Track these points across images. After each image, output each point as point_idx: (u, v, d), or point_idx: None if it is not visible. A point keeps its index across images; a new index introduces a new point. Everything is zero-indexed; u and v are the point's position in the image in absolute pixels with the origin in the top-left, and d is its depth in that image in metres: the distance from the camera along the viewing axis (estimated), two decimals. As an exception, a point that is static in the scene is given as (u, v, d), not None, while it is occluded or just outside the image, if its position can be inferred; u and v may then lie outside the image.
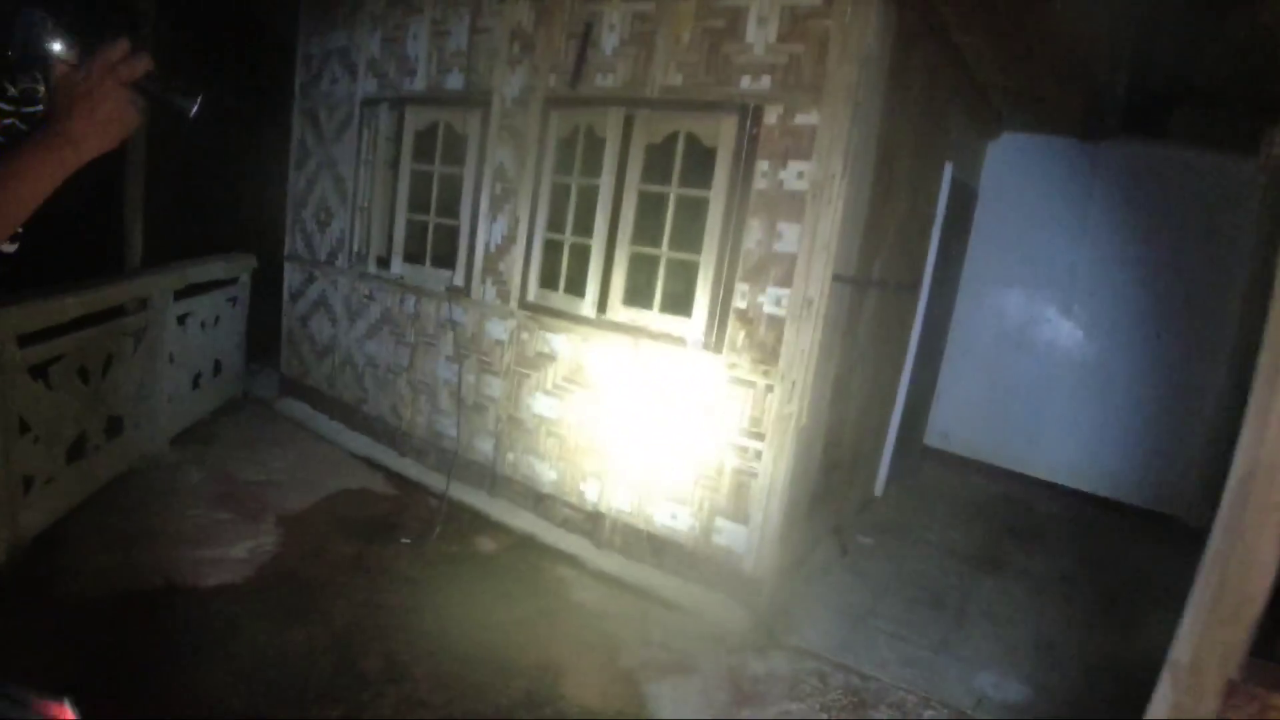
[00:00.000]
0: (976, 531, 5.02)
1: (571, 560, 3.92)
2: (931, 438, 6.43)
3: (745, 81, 3.53)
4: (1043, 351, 6.10)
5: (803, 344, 3.40)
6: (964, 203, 5.62)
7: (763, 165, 3.51)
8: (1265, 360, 2.09)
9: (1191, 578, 2.16)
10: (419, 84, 4.78)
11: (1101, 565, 4.73)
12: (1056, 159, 5.99)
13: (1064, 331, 6.02)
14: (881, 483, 5.31)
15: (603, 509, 4.04)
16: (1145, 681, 2.21)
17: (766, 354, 3.49)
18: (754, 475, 3.56)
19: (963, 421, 6.37)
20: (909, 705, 3.06)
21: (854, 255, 3.70)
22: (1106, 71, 4.51)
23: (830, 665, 3.25)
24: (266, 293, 5.88)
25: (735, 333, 3.57)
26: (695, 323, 3.68)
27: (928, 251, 5.06)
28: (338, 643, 2.98)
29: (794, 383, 3.42)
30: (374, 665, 2.88)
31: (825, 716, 2.94)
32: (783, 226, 3.45)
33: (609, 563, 3.92)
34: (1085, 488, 5.97)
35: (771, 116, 3.46)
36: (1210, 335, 5.57)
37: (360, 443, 5.16)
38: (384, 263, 5.05)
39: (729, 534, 3.67)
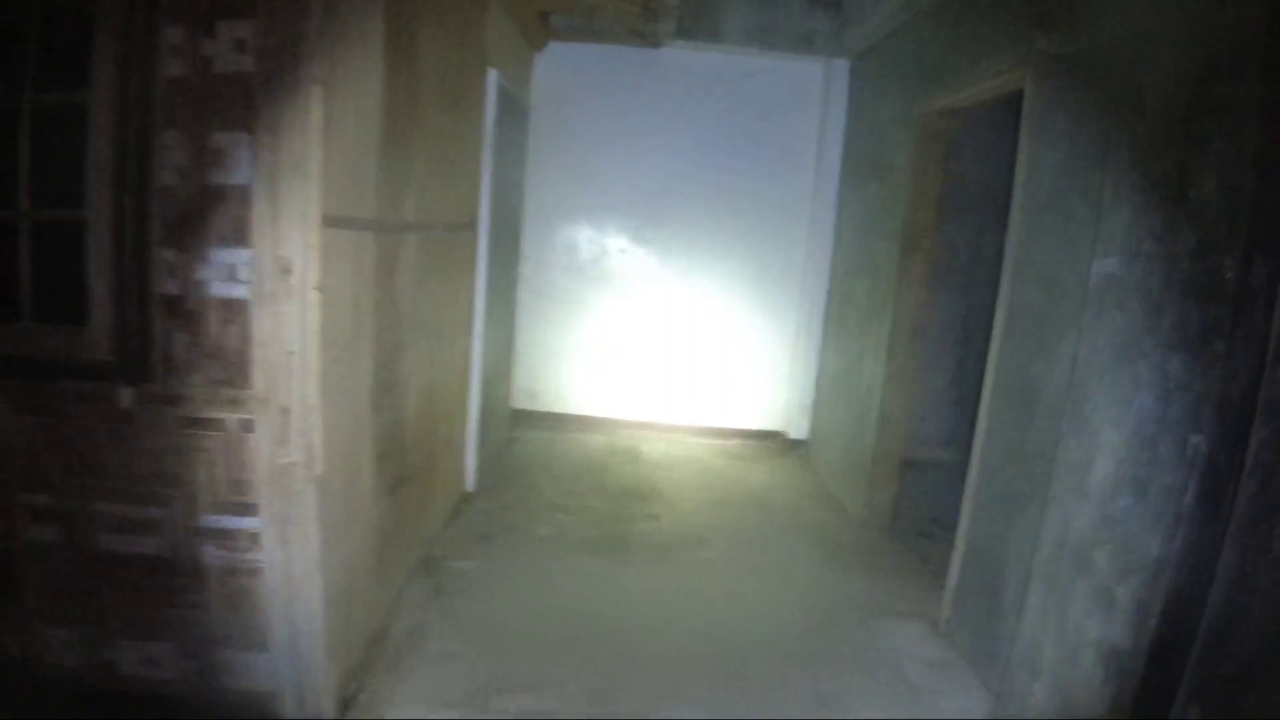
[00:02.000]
0: (593, 506, 4.16)
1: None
2: (519, 399, 5.46)
3: None
4: (621, 285, 5.44)
5: (288, 339, 1.93)
6: (517, 121, 4.54)
7: (174, 34, 1.91)
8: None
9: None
10: None
11: (735, 506, 4.26)
12: (612, 69, 5.22)
13: (640, 262, 5.41)
14: (472, 474, 4.14)
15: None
16: None
17: (229, 367, 1.96)
18: (256, 571, 2.07)
19: (550, 375, 5.49)
20: None
21: (368, 186, 2.32)
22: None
23: None
24: None
25: (168, 338, 1.98)
26: (94, 331, 1.99)
27: (480, 181, 3.89)
28: None
29: (286, 409, 1.96)
30: None
31: None
32: (221, 139, 1.92)
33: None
34: (690, 421, 5.56)
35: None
36: (786, 256, 5.45)
37: None
38: None
39: (244, 670, 2.16)
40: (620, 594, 3.23)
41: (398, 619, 2.87)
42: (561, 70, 5.17)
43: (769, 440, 5.55)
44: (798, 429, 5.39)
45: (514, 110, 4.36)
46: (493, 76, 3.83)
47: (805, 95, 5.23)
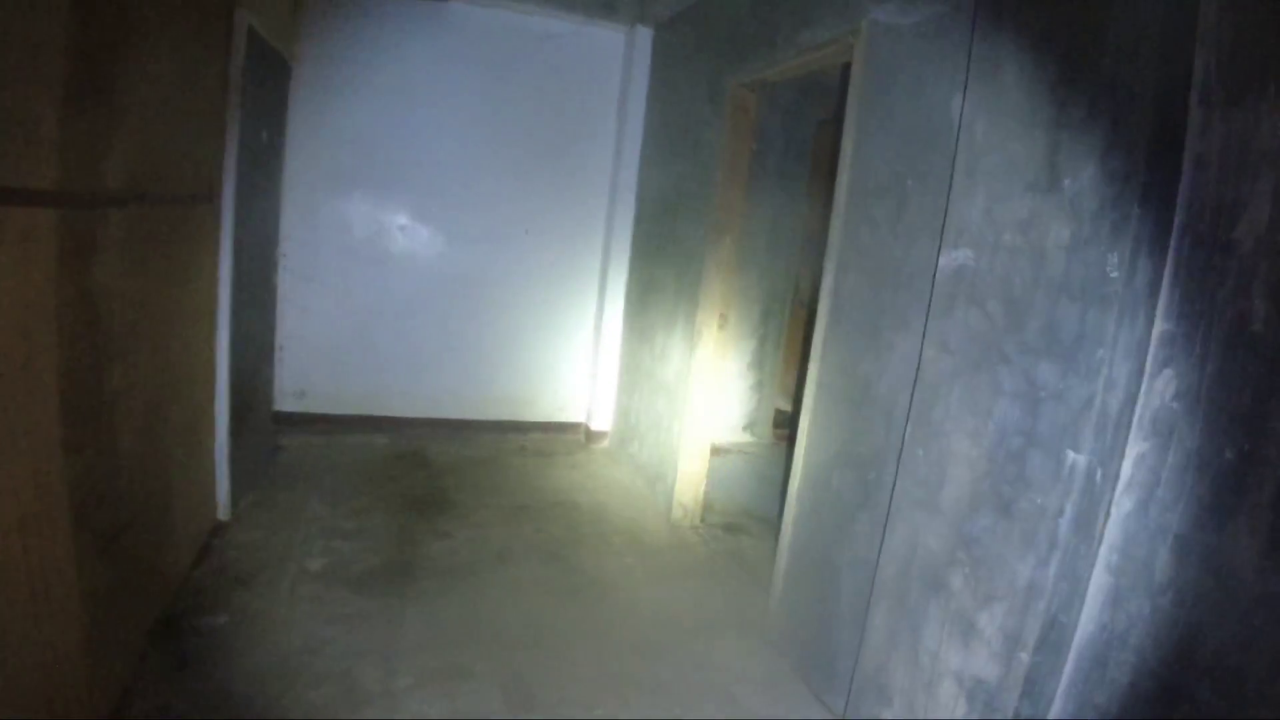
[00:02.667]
0: (376, 526, 3.52)
1: None
2: (285, 400, 4.60)
3: None
4: (403, 267, 4.74)
5: None
6: (275, 76, 3.69)
7: None
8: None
9: None
10: None
11: (539, 512, 3.81)
12: (395, 25, 4.46)
13: (424, 240, 4.74)
14: (224, 500, 3.34)
15: None
16: None
17: None
18: None
19: (321, 371, 4.67)
20: None
21: (43, 144, 1.56)
22: None
23: None
24: None
25: None
26: None
27: (224, 144, 3.06)
28: None
29: None
30: None
31: None
32: None
33: None
34: (483, 415, 5.02)
35: None
36: (586, 237, 5.03)
37: None
38: None
39: None
40: (402, 640, 2.67)
41: (135, 701, 2.13)
42: (336, 23, 4.34)
43: (571, 433, 5.16)
44: (601, 420, 5.05)
45: (271, 64, 3.53)
46: (241, 18, 3.02)
47: (607, 64, 4.83)
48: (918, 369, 2.07)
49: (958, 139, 1.95)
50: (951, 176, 1.98)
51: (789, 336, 5.69)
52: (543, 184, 4.82)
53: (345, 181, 4.53)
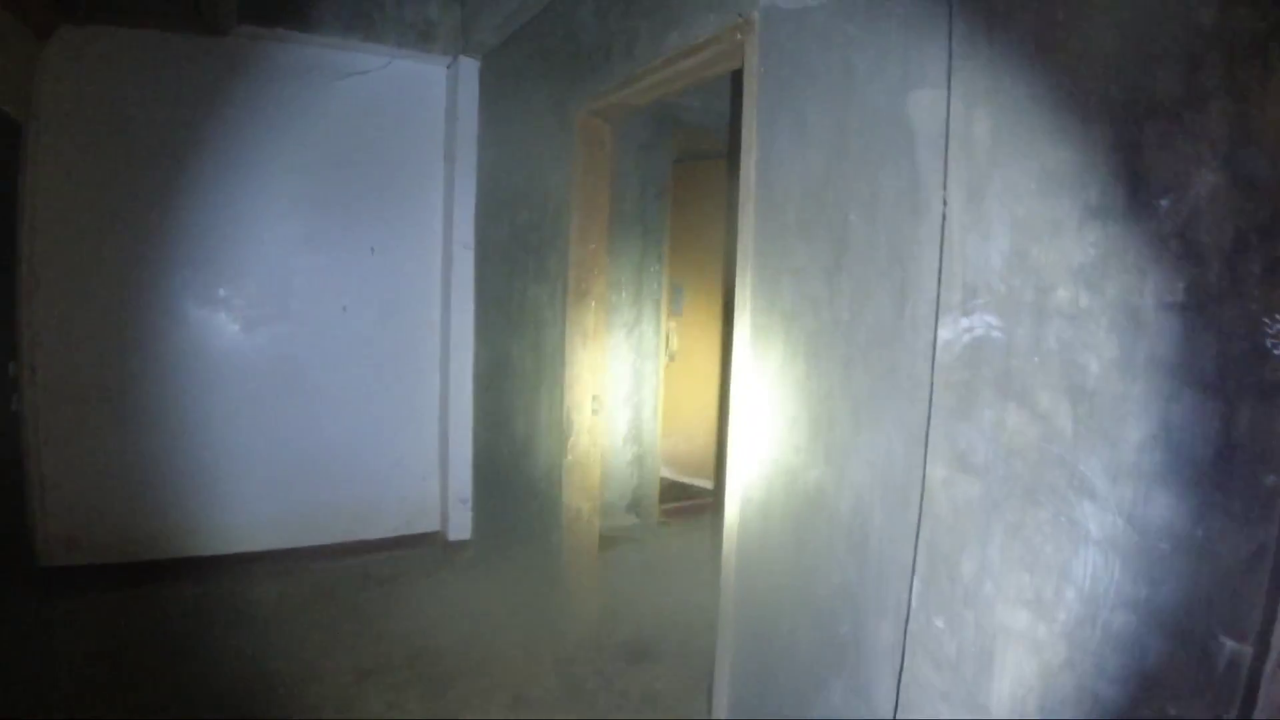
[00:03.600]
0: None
1: None
2: (54, 553, 3.36)
3: None
4: (194, 367, 3.64)
5: None
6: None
7: None
8: None
9: None
10: None
11: (394, 677, 2.82)
12: (164, 65, 3.46)
13: (219, 330, 3.68)
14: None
15: None
16: None
17: None
18: None
19: (98, 508, 3.46)
20: None
21: None
22: None
23: None
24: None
25: None
26: None
27: None
28: None
29: None
30: None
31: None
32: None
33: None
34: (314, 540, 3.95)
35: None
36: (418, 308, 4.12)
37: None
38: None
39: None
40: None
41: None
42: (89, 68, 3.29)
43: (425, 547, 4.18)
44: (460, 527, 4.11)
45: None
46: None
47: (429, 103, 4.01)
48: (921, 496, 1.38)
49: (947, 148, 1.30)
50: (945, 203, 1.32)
51: (667, 398, 5.02)
52: (360, 248, 3.90)
53: (111, 264, 3.42)
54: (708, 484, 5.46)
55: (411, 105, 3.98)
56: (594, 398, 3.03)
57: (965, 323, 1.29)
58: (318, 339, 3.85)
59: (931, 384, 1.35)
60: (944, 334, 1.32)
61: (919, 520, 1.39)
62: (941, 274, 1.33)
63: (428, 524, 4.19)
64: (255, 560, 3.79)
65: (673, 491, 5.27)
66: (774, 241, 1.85)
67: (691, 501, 5.22)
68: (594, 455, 3.06)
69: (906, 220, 1.43)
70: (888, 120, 1.49)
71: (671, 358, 5.03)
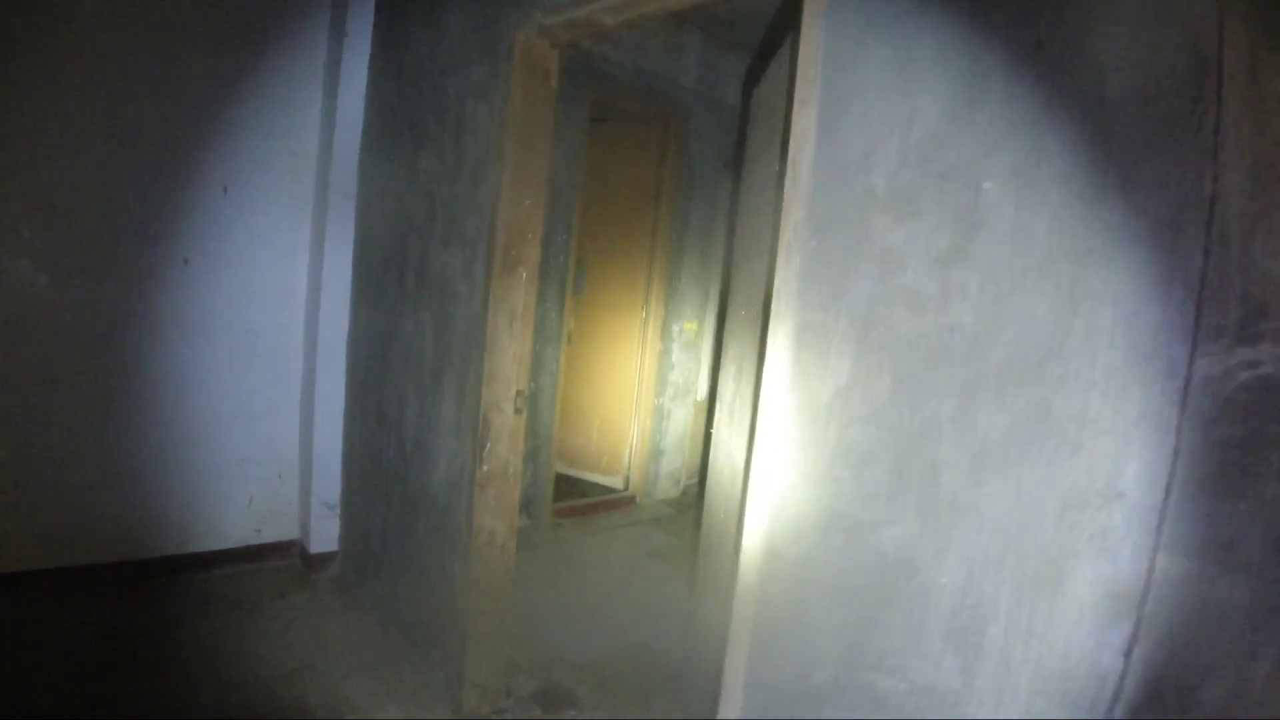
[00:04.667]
0: None
1: None
2: None
3: None
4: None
5: None
6: None
7: None
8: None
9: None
10: None
11: None
12: None
13: (15, 281, 2.67)
14: None
15: None
16: None
17: None
18: None
19: None
20: None
21: None
22: None
23: None
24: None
25: None
26: None
27: None
28: None
29: None
30: None
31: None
32: None
33: None
34: (142, 552, 3.03)
35: None
36: (278, 261, 3.25)
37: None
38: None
39: None
40: None
41: None
42: None
43: (279, 559, 3.37)
44: (324, 536, 3.34)
45: None
46: None
47: (307, 13, 3.14)
48: (1146, 595, 0.92)
49: (1220, 99, 0.83)
50: (1215, 179, 0.86)
51: (565, 386, 4.44)
52: (210, 186, 3.01)
53: None
54: (605, 480, 4.95)
55: (285, 17, 3.11)
56: (518, 393, 2.42)
57: (1245, 355, 0.84)
58: (150, 299, 2.94)
59: (1178, 440, 0.90)
60: (1204, 368, 0.87)
61: (1136, 626, 0.94)
62: (1205, 281, 0.87)
63: (284, 531, 3.38)
64: (73, 576, 2.86)
65: (566, 489, 4.71)
66: (843, 215, 1.34)
67: (588, 500, 4.68)
68: (515, 465, 2.44)
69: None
70: (1072, 49, 1.02)
71: (568, 340, 4.45)
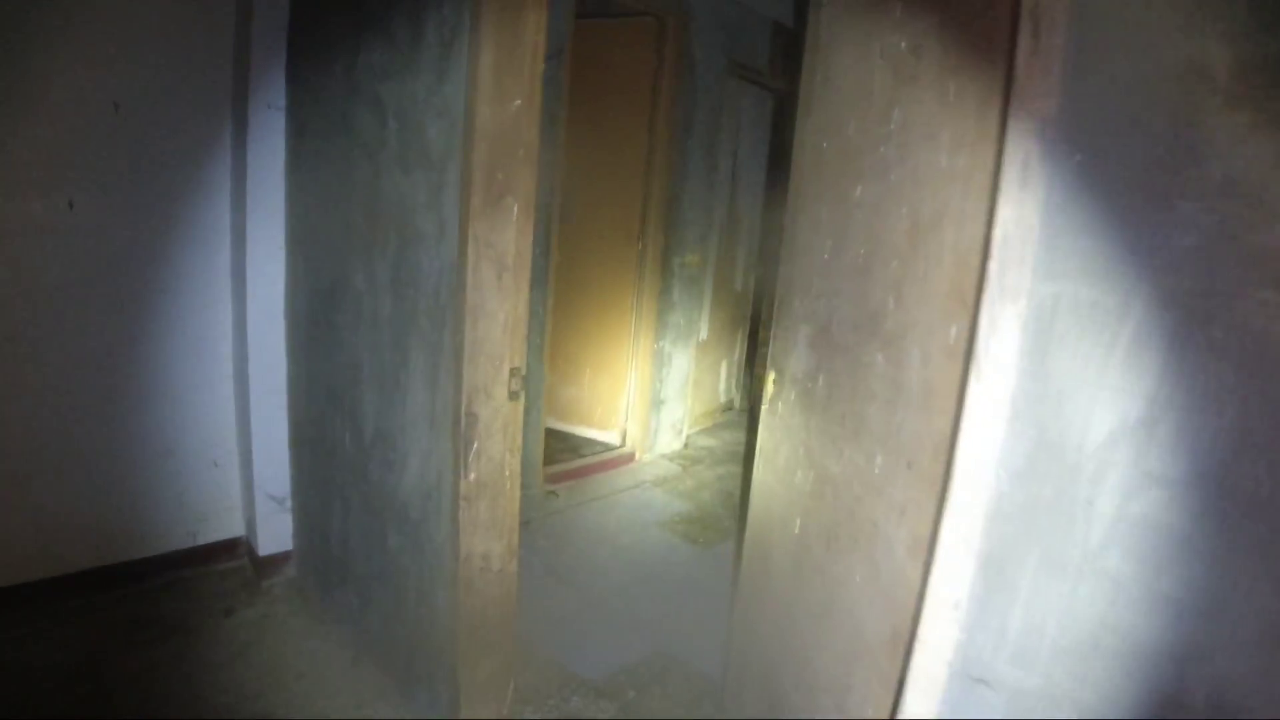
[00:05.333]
0: None
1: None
2: None
3: None
4: None
5: None
6: None
7: None
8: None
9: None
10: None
11: None
12: None
13: None
14: None
15: None
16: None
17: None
18: None
19: None
20: None
21: None
22: None
23: None
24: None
25: None
26: None
27: None
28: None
29: None
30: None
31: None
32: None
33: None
34: (61, 568, 2.39)
35: None
36: (201, 194, 2.50)
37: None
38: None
39: None
40: None
41: None
42: None
43: (223, 561, 2.76)
44: (273, 534, 2.72)
45: None
46: None
47: None
48: None
49: None
50: None
51: (553, 329, 3.79)
52: (98, 104, 2.23)
53: None
54: (600, 435, 4.37)
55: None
56: (512, 372, 1.78)
57: None
58: (28, 253, 2.21)
59: None
60: None
61: None
62: None
63: (226, 529, 2.75)
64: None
65: (557, 447, 4.13)
66: (1136, 111, 0.71)
67: (583, 461, 4.11)
68: (512, 468, 1.83)
69: None
70: None
71: (554, 275, 3.78)
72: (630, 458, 4.28)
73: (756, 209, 5.03)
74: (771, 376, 1.99)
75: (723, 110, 4.29)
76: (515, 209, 1.69)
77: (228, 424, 2.68)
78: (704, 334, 4.70)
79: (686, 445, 4.63)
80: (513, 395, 1.78)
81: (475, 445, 1.73)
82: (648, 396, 4.29)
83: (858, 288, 1.49)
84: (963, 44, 1.21)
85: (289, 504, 2.67)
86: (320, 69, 2.23)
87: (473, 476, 1.75)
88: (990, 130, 1.10)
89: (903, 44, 1.39)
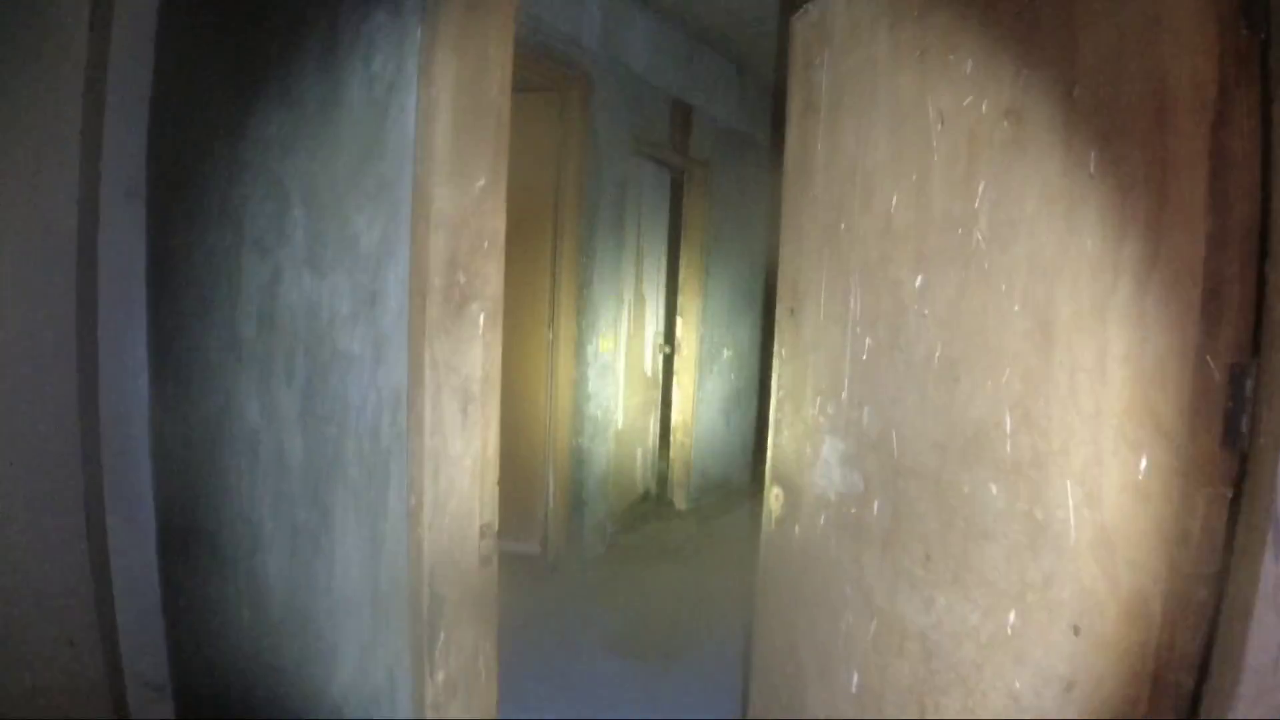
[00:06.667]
0: None
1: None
2: None
3: None
4: None
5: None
6: None
7: None
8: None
9: None
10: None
11: None
12: None
13: None
14: None
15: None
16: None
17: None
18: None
19: None
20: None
21: None
22: None
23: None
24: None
25: None
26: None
27: None
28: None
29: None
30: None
31: None
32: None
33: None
34: None
35: None
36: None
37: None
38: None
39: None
40: None
41: None
42: None
43: None
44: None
45: None
46: None
47: None
48: None
49: None
50: None
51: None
52: None
53: None
54: (516, 547, 3.85)
55: None
56: (483, 529, 1.33)
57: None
58: None
59: None
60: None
61: None
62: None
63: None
64: None
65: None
66: None
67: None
68: (487, 659, 1.36)
69: None
70: None
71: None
72: (551, 569, 3.77)
73: (660, 288, 4.80)
74: (775, 494, 1.67)
75: (627, 186, 4.06)
76: (482, 319, 1.28)
77: (82, 587, 1.98)
78: (620, 423, 4.33)
79: (609, 547, 4.18)
80: (484, 561, 1.33)
81: (442, 636, 1.26)
82: (567, 500, 3.83)
83: (939, 398, 1.20)
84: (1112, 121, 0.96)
85: (169, 691, 1.99)
86: (194, 145, 1.73)
87: (440, 676, 1.27)
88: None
89: (983, 106, 1.14)
